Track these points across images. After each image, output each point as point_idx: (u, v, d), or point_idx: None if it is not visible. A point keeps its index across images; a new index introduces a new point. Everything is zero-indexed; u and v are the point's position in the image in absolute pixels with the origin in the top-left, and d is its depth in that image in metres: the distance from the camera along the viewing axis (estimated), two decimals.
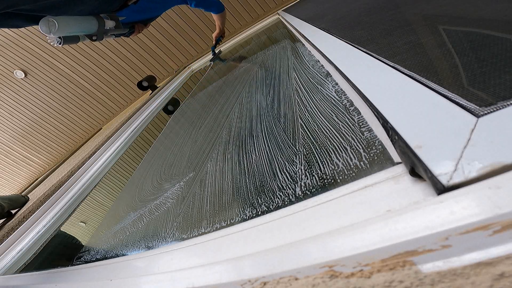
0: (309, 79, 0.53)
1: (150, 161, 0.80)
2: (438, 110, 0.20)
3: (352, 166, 0.26)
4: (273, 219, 0.24)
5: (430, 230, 0.14)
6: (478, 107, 0.19)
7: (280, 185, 0.31)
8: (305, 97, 0.47)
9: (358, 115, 0.32)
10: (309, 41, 0.69)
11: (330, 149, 0.31)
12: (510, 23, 0.27)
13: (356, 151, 0.28)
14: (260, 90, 0.67)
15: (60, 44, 0.77)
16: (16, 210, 1.17)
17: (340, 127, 0.33)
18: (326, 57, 0.50)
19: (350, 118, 0.33)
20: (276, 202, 0.29)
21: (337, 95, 0.40)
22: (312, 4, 1.45)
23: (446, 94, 0.22)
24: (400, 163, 0.22)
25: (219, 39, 1.83)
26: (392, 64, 0.31)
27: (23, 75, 3.06)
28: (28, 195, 1.32)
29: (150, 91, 2.22)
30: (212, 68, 1.71)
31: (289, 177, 0.31)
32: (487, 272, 0.13)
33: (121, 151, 1.17)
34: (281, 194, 0.30)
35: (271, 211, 0.27)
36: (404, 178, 0.20)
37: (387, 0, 0.61)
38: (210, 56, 2.34)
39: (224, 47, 2.28)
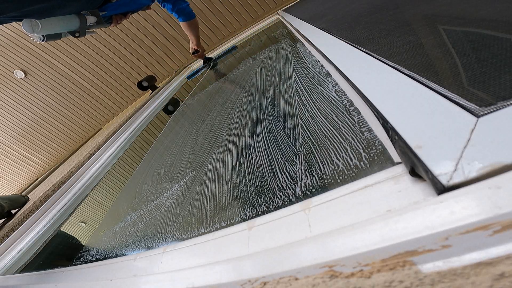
0: (309, 79, 0.53)
1: (150, 161, 0.80)
2: (438, 110, 0.20)
3: (352, 166, 0.26)
4: (273, 219, 0.24)
5: (430, 230, 0.14)
6: (478, 107, 0.19)
7: (280, 185, 0.31)
8: (305, 97, 0.47)
9: (358, 115, 0.32)
10: (309, 41, 0.69)
11: (330, 149, 0.31)
12: (510, 23, 0.27)
13: (356, 151, 0.28)
14: (260, 90, 0.67)
15: (43, 41, 0.80)
16: (16, 210, 1.17)
17: (340, 127, 0.33)
18: (326, 57, 0.50)
19: (350, 118, 0.33)
20: (276, 202, 0.29)
21: (337, 95, 0.40)
22: (312, 4, 1.45)
23: (446, 94, 0.22)
24: (400, 163, 0.22)
25: (205, 57, 1.68)
26: (392, 64, 0.31)
27: (23, 75, 3.06)
28: (28, 195, 1.32)
29: (150, 91, 2.22)
30: (211, 70, 1.70)
31: (289, 177, 0.31)
32: (487, 272, 0.13)
33: (121, 151, 1.17)
34: (281, 194, 0.30)
35: (271, 211, 0.27)
36: (404, 178, 0.20)
37: (387, 0, 0.61)
38: (210, 56, 2.34)
39: (224, 47, 2.28)
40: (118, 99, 3.36)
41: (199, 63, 2.36)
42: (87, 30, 0.87)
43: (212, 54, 2.23)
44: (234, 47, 1.82)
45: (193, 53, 1.68)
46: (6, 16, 0.69)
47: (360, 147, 0.28)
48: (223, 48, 2.04)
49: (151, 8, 1.24)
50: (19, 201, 1.21)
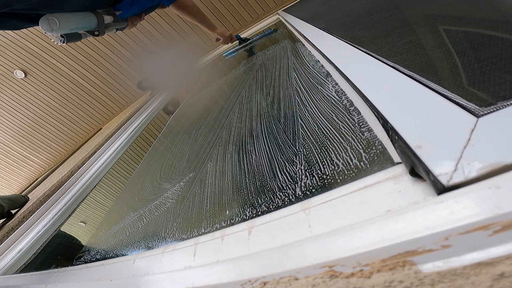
0: (309, 79, 0.53)
1: (150, 161, 0.80)
2: (438, 110, 0.20)
3: (352, 166, 0.26)
4: (273, 219, 0.24)
5: (430, 230, 0.14)
6: (478, 107, 0.19)
7: (280, 185, 0.31)
8: (305, 97, 0.47)
9: (358, 115, 0.32)
10: (309, 41, 0.69)
11: (330, 149, 0.31)
12: (510, 23, 0.28)
13: (356, 151, 0.28)
14: (260, 90, 0.67)
15: (64, 42, 0.76)
16: (16, 210, 1.17)
17: (340, 127, 0.33)
18: (326, 57, 0.50)
19: (350, 118, 0.33)
20: (276, 202, 0.29)
21: (337, 95, 0.40)
22: (312, 4, 1.45)
23: (446, 94, 0.22)
24: (400, 163, 0.22)
25: (239, 38, 1.55)
26: (392, 64, 0.31)
27: (23, 75, 3.06)
28: (28, 195, 1.32)
29: (150, 91, 2.22)
30: (216, 66, 1.67)
31: (289, 177, 0.31)
32: (487, 272, 0.13)
33: (121, 151, 1.17)
34: (281, 194, 0.30)
35: (271, 211, 0.27)
36: (404, 178, 0.20)
37: (387, 0, 0.61)
38: (208, 57, 2.34)
39: (224, 47, 2.28)
40: (118, 99, 3.36)
41: (199, 63, 2.35)
42: (106, 29, 0.86)
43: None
44: (274, 30, 1.66)
45: (217, 40, 1.53)
46: (21, 16, 0.68)
47: (360, 147, 0.28)
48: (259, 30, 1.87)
49: (166, 6, 1.21)
50: (19, 201, 1.20)
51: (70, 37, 0.78)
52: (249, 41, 1.63)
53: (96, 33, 0.83)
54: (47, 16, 0.68)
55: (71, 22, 0.72)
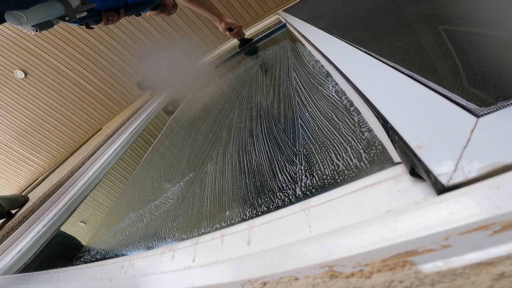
0: (309, 79, 0.53)
1: (150, 161, 0.80)
2: (438, 110, 0.20)
3: (352, 166, 0.26)
4: (273, 219, 0.24)
5: (430, 230, 0.14)
6: (478, 107, 0.19)
7: (280, 186, 0.31)
8: (305, 97, 0.47)
9: (358, 115, 0.32)
10: (309, 41, 0.69)
11: (330, 149, 0.31)
12: (510, 23, 0.27)
13: (356, 151, 0.28)
14: (260, 91, 0.67)
15: (37, 31, 0.78)
16: (16, 210, 1.17)
17: (340, 127, 0.33)
18: (326, 57, 0.50)
19: (350, 118, 0.33)
20: (276, 203, 0.29)
21: (337, 95, 0.40)
22: (312, 4, 1.45)
23: (446, 94, 0.22)
24: (400, 163, 0.22)
25: (242, 39, 1.41)
26: (392, 64, 0.31)
27: (23, 75, 3.06)
28: (28, 195, 1.32)
29: (150, 91, 2.22)
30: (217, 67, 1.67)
31: (289, 178, 0.31)
32: (487, 272, 0.13)
33: (121, 151, 1.17)
34: (281, 194, 0.30)
35: (271, 211, 0.27)
36: (404, 178, 0.20)
37: (387, 0, 0.61)
38: (209, 57, 2.33)
39: (223, 47, 2.28)
40: (118, 99, 3.36)
41: (199, 63, 2.35)
42: (76, 13, 0.85)
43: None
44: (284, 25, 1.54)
45: (229, 30, 1.28)
46: None
47: (360, 147, 0.28)
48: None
49: (168, 13, 1.18)
50: (19, 201, 1.20)
51: (42, 26, 0.79)
52: (251, 42, 1.51)
53: (67, 18, 0.83)
54: (11, 11, 0.68)
55: (37, 14, 0.73)
